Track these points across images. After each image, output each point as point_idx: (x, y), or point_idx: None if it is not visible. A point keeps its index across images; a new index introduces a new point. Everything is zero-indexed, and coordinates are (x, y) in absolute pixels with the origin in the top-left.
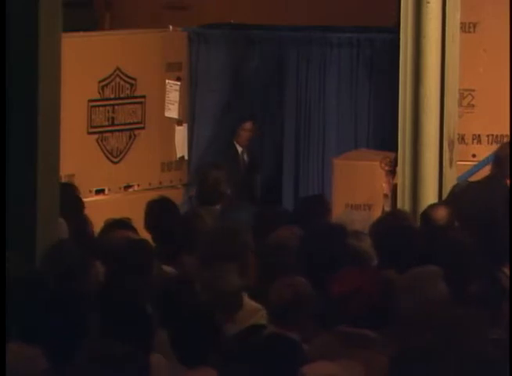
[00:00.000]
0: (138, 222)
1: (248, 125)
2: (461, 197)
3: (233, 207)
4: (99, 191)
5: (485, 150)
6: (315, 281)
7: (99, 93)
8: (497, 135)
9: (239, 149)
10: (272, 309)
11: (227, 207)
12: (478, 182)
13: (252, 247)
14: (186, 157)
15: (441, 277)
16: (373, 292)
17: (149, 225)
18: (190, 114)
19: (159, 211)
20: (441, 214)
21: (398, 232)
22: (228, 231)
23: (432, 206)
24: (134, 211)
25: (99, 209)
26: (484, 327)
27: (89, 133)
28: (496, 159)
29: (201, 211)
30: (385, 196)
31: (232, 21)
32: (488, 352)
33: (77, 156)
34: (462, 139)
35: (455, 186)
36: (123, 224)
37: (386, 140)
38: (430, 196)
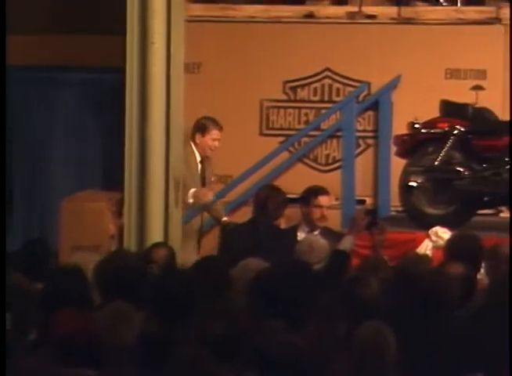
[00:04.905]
0: None
1: None
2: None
3: None
4: None
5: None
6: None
7: None
8: (221, 176)
9: None
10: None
11: None
12: (244, 223)
13: None
14: None
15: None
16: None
17: None
18: None
19: None
20: (161, 253)
21: (124, 273)
22: None
23: (154, 245)
24: None
25: None
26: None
27: None
28: (257, 201)
29: None
30: (111, 237)
31: None
32: None
33: None
34: None
35: (224, 228)
36: None
37: (112, 180)
38: (156, 235)
